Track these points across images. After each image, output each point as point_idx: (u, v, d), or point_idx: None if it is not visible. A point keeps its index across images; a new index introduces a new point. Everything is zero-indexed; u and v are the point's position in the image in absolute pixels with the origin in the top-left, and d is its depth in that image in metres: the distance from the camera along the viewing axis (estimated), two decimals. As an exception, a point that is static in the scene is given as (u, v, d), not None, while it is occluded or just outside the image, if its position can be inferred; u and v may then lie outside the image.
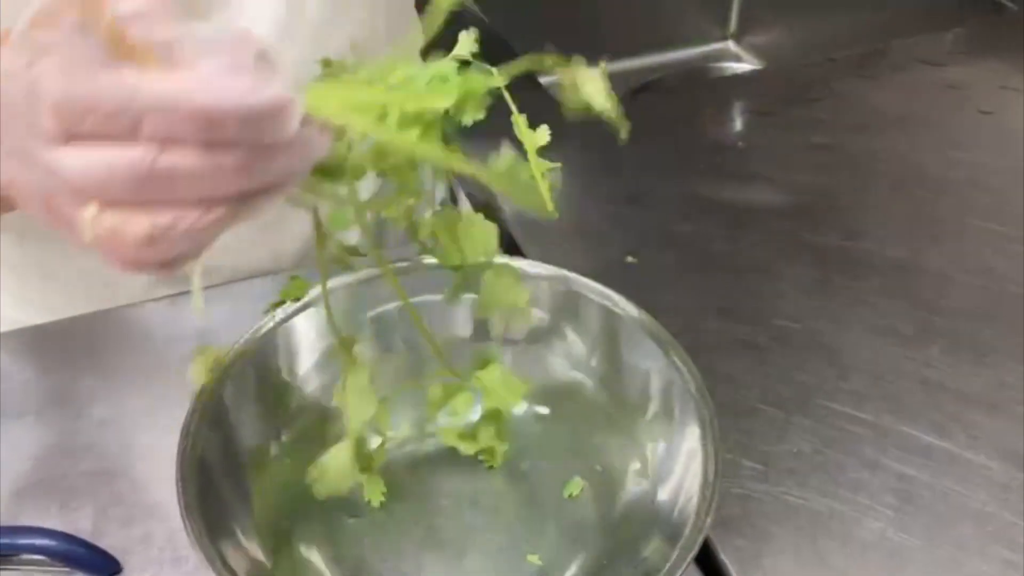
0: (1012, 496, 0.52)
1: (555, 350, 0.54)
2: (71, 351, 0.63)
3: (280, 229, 0.71)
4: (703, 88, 1.20)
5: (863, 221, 0.72)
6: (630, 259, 0.69)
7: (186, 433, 0.45)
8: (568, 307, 0.53)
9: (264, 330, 0.50)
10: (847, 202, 0.74)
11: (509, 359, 0.53)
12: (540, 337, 0.54)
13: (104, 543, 0.49)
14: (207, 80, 0.28)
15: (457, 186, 0.84)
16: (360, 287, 0.52)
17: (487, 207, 0.73)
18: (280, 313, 0.51)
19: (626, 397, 0.52)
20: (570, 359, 0.54)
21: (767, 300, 0.65)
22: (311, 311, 0.51)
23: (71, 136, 0.29)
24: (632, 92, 1.25)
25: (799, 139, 0.82)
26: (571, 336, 0.54)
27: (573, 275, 0.53)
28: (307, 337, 0.52)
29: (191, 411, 0.46)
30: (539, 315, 0.53)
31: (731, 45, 1.52)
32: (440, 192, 0.87)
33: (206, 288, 0.33)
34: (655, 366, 0.49)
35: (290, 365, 0.51)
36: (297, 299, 0.51)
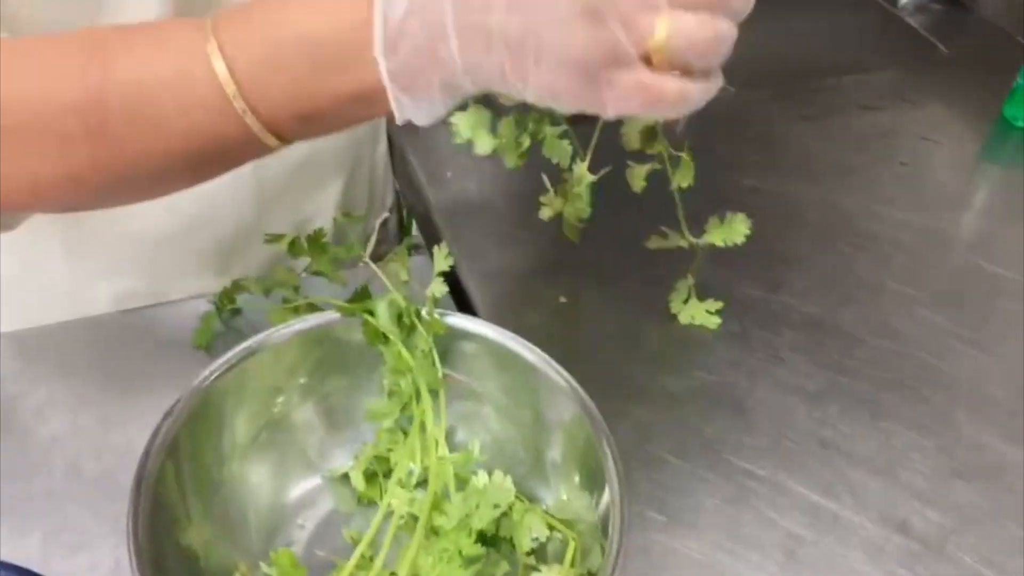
0: (885, 557, 0.57)
1: (486, 404, 0.58)
2: (27, 362, 0.65)
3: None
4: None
5: (785, 273, 0.77)
6: (562, 299, 0.73)
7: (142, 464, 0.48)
8: (497, 363, 0.57)
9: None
10: (773, 251, 0.79)
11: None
12: (471, 395, 0.58)
13: (51, 570, 0.53)
14: None
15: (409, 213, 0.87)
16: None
17: (434, 239, 0.77)
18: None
19: (542, 448, 0.56)
20: (499, 412, 0.58)
21: (689, 349, 0.70)
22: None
23: None
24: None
25: (730, 179, 0.86)
26: (497, 392, 0.58)
27: (500, 333, 0.57)
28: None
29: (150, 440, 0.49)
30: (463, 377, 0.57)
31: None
32: (385, 210, 0.90)
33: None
34: (571, 419, 0.54)
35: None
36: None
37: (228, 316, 0.68)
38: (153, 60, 0.41)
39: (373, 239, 0.88)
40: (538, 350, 0.55)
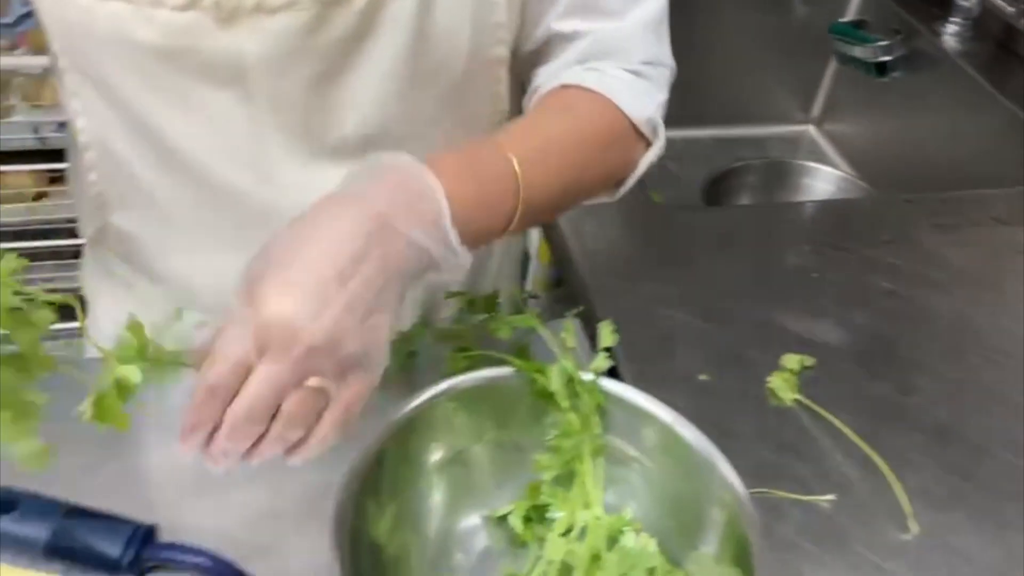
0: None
1: (635, 470, 0.63)
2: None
3: None
4: (788, 187, 1.28)
5: (916, 377, 0.80)
6: (703, 376, 0.78)
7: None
8: (654, 436, 0.62)
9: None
10: (904, 354, 0.83)
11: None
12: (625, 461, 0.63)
13: (249, 569, 0.59)
14: None
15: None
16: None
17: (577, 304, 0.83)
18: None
19: (690, 522, 0.61)
20: (648, 481, 0.63)
21: (820, 442, 0.74)
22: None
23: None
24: (712, 181, 1.33)
25: (869, 281, 0.91)
26: (649, 461, 0.63)
27: (665, 410, 0.62)
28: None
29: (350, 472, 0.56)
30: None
31: (811, 129, 1.60)
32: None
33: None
34: (724, 503, 0.59)
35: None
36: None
37: (404, 358, 0.74)
38: None
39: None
40: (697, 430, 0.61)
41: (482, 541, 0.64)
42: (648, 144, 0.70)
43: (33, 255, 1.69)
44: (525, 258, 1.19)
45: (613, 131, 0.67)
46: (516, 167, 0.58)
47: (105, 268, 0.83)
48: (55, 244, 1.61)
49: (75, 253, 1.52)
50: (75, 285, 1.72)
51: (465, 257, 0.54)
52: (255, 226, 0.68)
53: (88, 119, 0.68)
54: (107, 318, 0.81)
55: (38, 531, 0.57)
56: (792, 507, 0.68)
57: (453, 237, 0.53)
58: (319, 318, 0.48)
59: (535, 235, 1.42)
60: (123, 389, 0.49)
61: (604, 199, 0.72)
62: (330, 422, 0.51)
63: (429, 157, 0.55)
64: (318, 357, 0.48)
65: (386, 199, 0.51)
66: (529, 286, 1.29)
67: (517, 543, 0.64)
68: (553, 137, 0.64)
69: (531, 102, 0.70)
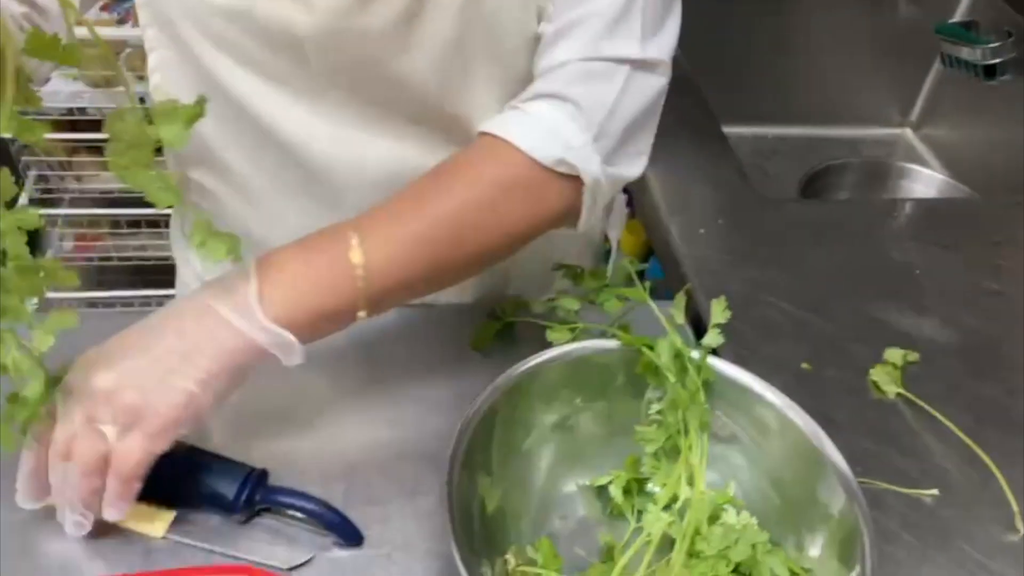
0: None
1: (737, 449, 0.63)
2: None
3: None
4: (884, 188, 1.26)
5: (1021, 378, 0.78)
6: (804, 365, 0.78)
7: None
8: (763, 418, 0.62)
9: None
10: (1010, 355, 0.81)
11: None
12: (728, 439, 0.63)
13: (351, 516, 0.61)
14: None
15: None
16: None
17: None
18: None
19: (794, 506, 0.61)
20: (751, 461, 0.63)
21: (923, 437, 0.73)
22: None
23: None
24: (809, 178, 1.32)
25: (975, 280, 0.89)
26: (752, 442, 0.63)
27: (776, 395, 0.62)
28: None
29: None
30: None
31: (908, 133, 1.57)
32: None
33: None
34: (827, 486, 0.58)
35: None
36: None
37: (501, 326, 0.76)
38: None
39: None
40: (807, 415, 0.60)
41: (580, 509, 0.65)
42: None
43: (131, 222, 1.74)
44: (606, 248, 1.19)
45: (503, 185, 0.63)
46: (354, 241, 0.58)
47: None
48: (150, 213, 1.66)
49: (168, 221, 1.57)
50: (165, 253, 1.78)
51: (288, 338, 0.56)
52: (318, 181, 0.72)
53: (163, 74, 0.71)
54: (197, 282, 0.84)
55: (162, 469, 0.59)
56: (894, 499, 0.67)
57: (261, 315, 0.56)
58: (111, 369, 0.55)
59: (617, 224, 1.42)
60: None
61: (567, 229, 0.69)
62: (112, 474, 0.55)
63: (267, 253, 0.59)
64: (103, 403, 0.55)
65: (212, 291, 0.57)
66: (610, 276, 1.29)
67: (614, 513, 0.64)
68: (405, 209, 0.62)
69: None
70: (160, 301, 1.68)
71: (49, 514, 0.58)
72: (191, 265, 0.87)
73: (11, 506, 0.58)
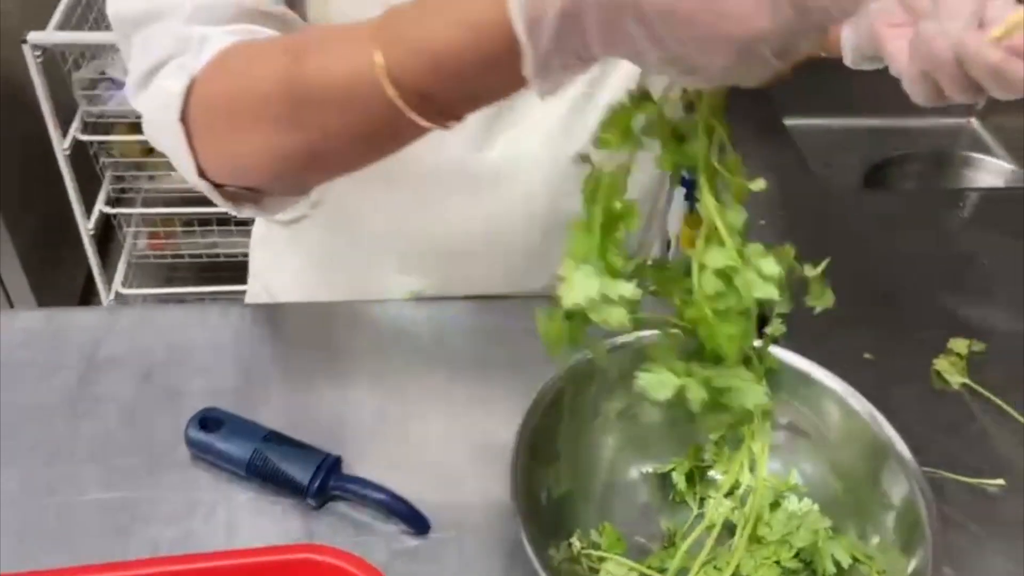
0: None
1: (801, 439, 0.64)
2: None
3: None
4: (949, 178, 1.24)
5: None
6: (867, 355, 0.78)
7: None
8: (828, 408, 0.63)
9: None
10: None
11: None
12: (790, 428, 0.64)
13: (419, 504, 0.63)
14: None
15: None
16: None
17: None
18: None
19: (859, 496, 0.61)
20: (815, 450, 0.64)
21: (988, 428, 0.72)
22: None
23: None
24: (872, 168, 1.30)
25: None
26: (816, 432, 0.63)
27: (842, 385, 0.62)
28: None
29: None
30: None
31: (972, 122, 1.54)
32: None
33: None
34: (892, 477, 0.59)
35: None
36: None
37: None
38: (333, 63, 0.50)
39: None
40: (871, 405, 0.61)
41: (643, 495, 0.66)
42: None
43: (203, 221, 1.80)
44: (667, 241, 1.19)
45: None
46: None
47: (273, 234, 0.89)
48: (221, 212, 1.71)
49: (241, 220, 1.61)
50: (235, 251, 1.82)
51: None
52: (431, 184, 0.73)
53: None
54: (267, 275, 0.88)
55: (240, 450, 0.62)
56: (958, 489, 0.67)
57: None
58: None
59: (676, 217, 1.41)
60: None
61: None
62: None
63: None
64: None
65: None
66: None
67: (676, 500, 0.65)
68: None
69: None
70: (230, 297, 1.73)
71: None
72: None
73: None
